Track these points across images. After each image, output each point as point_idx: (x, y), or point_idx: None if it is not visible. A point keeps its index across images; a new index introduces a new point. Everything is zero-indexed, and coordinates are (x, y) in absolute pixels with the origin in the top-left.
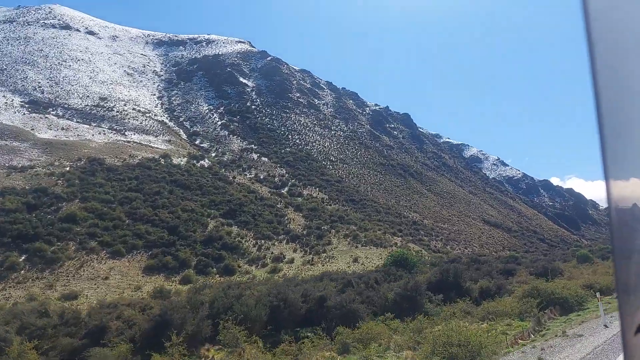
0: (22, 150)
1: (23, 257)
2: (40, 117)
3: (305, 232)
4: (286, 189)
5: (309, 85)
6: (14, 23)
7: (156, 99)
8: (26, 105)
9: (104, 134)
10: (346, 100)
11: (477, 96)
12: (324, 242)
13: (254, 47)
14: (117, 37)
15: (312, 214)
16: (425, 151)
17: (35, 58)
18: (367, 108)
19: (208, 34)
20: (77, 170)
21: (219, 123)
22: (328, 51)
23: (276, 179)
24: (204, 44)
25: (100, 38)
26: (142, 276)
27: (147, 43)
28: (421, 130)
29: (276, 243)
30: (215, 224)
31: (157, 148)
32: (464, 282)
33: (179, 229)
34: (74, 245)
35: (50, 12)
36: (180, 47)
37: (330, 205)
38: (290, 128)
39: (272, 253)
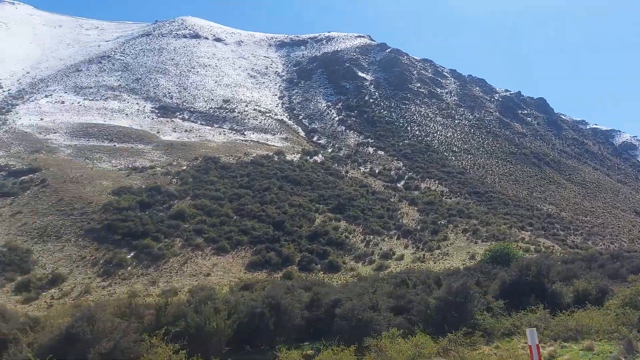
0: (146, 152)
1: (131, 254)
2: (167, 121)
3: (418, 227)
4: (402, 182)
5: (430, 75)
6: (150, 36)
7: (277, 99)
8: (156, 111)
9: (224, 134)
10: (472, 87)
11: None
12: (439, 238)
13: (374, 41)
14: (242, 42)
15: (428, 208)
16: (564, 138)
17: (167, 67)
18: (496, 95)
19: (328, 32)
20: (192, 169)
21: (337, 119)
22: (451, 39)
23: (392, 172)
24: (324, 41)
25: (226, 44)
26: (245, 273)
27: (270, 45)
28: (561, 115)
29: (386, 239)
30: (322, 219)
31: (273, 145)
32: (550, 283)
33: (285, 224)
34: (180, 242)
35: (182, 24)
36: (302, 46)
37: (450, 198)
38: (409, 119)
39: (380, 249)
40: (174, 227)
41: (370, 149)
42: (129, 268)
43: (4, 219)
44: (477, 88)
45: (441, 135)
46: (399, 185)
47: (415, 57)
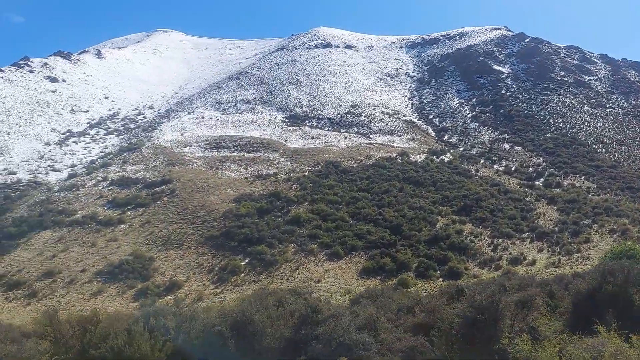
0: (272, 160)
1: (246, 261)
2: (295, 129)
3: (556, 229)
4: (541, 179)
5: (576, 62)
6: (284, 50)
7: (407, 100)
8: (286, 120)
9: (349, 138)
10: (626, 72)
11: None
12: (580, 240)
13: (511, 32)
14: (373, 47)
15: (569, 207)
16: None
17: (299, 77)
18: None
19: (462, 28)
20: (313, 174)
21: (469, 115)
22: (601, 21)
23: (530, 169)
24: (457, 38)
25: (357, 50)
26: (356, 279)
27: (400, 47)
28: None
29: (517, 242)
30: (445, 222)
31: (398, 147)
32: (637, 294)
33: (402, 228)
34: (294, 247)
35: (315, 35)
36: (434, 45)
37: (598, 195)
38: (551, 111)
39: (509, 254)
40: (289, 232)
41: (506, 145)
42: (242, 275)
43: (135, 229)
44: (633, 72)
45: (589, 126)
46: (537, 183)
47: (559, 45)
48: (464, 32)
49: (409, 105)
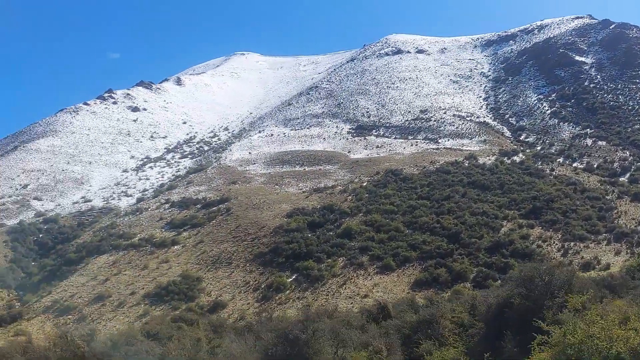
0: (332, 172)
1: (292, 277)
2: (360, 140)
3: (639, 228)
4: (627, 175)
5: None
6: (355, 61)
7: (481, 101)
8: (352, 131)
9: (416, 145)
10: None
11: None
12: None
13: (595, 19)
14: (446, 49)
15: None
16: None
17: (368, 87)
18: None
19: (541, 20)
20: (371, 184)
21: (548, 112)
22: None
23: (615, 164)
24: (535, 31)
25: (429, 54)
26: (407, 292)
27: (475, 47)
28: None
29: (591, 245)
30: (510, 227)
31: (467, 150)
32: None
33: (461, 236)
34: (343, 261)
35: (385, 43)
36: (510, 41)
37: None
38: None
39: (581, 258)
40: (339, 246)
41: (589, 141)
42: (287, 292)
43: (187, 249)
44: None
45: None
46: (621, 179)
47: None
48: (543, 24)
49: (484, 106)
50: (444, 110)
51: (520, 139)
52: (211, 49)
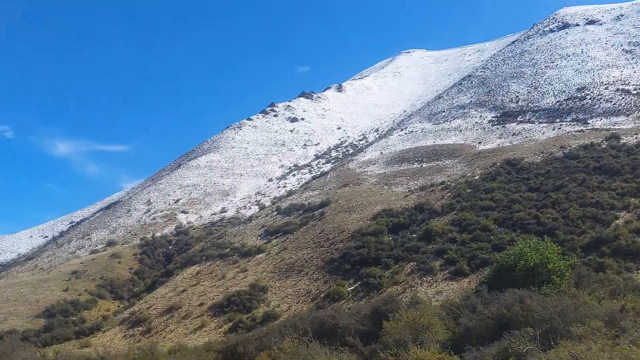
0: (449, 167)
1: (354, 286)
2: (498, 128)
3: None
4: None
5: None
6: (515, 43)
7: None
8: (494, 119)
9: (560, 128)
10: None
11: None
12: None
13: None
14: (623, 16)
15: None
16: None
17: (524, 69)
18: None
19: None
20: (478, 178)
21: None
22: None
23: None
24: None
25: (601, 24)
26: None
27: None
28: None
29: None
30: (628, 219)
31: (619, 129)
32: None
33: (557, 232)
34: (411, 267)
35: (553, 18)
36: None
37: None
38: None
39: None
40: (412, 249)
41: None
42: (342, 302)
43: (271, 257)
44: None
45: None
46: None
47: None
48: None
49: None
50: (605, 86)
51: None
52: (379, 52)
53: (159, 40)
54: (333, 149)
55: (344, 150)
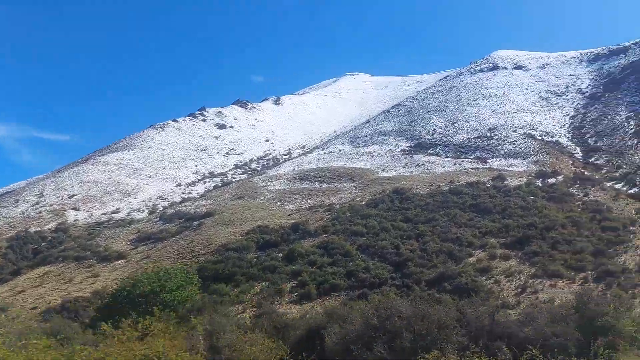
0: (344, 190)
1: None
2: (406, 157)
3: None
4: None
5: None
6: (448, 77)
7: (567, 119)
8: (407, 149)
9: (460, 164)
10: None
11: None
12: None
13: None
14: (548, 64)
15: None
16: None
17: (447, 104)
18: None
19: None
20: (364, 203)
21: (632, 131)
22: None
23: None
24: None
25: (527, 70)
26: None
27: (581, 62)
28: None
29: (560, 283)
30: (480, 257)
31: (510, 170)
32: None
33: (409, 264)
34: (261, 287)
35: (487, 59)
36: (620, 55)
37: None
38: None
39: (536, 298)
40: (270, 269)
41: None
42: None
43: (129, 264)
44: None
45: None
46: None
47: None
48: None
49: (566, 125)
50: (514, 129)
51: (590, 160)
52: (329, 70)
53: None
54: (255, 161)
55: (265, 163)
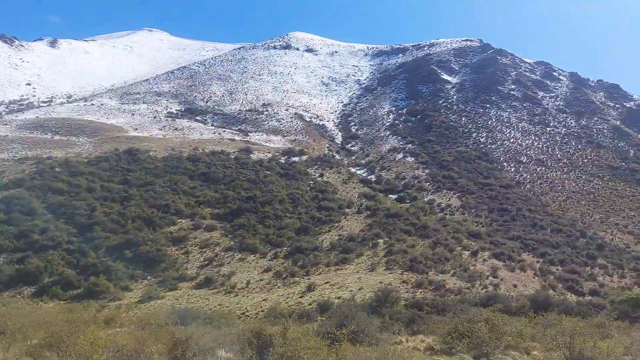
0: (77, 145)
1: None
2: (168, 120)
3: (359, 237)
4: (398, 192)
5: (537, 77)
6: (242, 49)
7: (341, 106)
8: (174, 113)
9: (219, 133)
10: (594, 93)
11: None
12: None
13: (479, 42)
14: (337, 53)
15: (378, 222)
16: None
17: (232, 74)
18: (630, 102)
19: (437, 39)
20: (86, 161)
21: (387, 124)
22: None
23: (406, 180)
24: (425, 48)
25: (317, 54)
26: None
27: (366, 55)
28: None
29: (256, 259)
30: (185, 226)
31: (266, 146)
32: None
33: (95, 227)
34: None
35: (283, 37)
36: (400, 54)
37: (453, 214)
38: (481, 125)
39: (222, 275)
40: None
41: (399, 155)
42: None
43: None
44: (602, 94)
45: (515, 143)
46: (391, 196)
47: (526, 60)
48: (435, 42)
49: (337, 111)
50: (286, 108)
51: (347, 146)
52: (125, 21)
53: None
54: (4, 104)
55: (18, 107)
